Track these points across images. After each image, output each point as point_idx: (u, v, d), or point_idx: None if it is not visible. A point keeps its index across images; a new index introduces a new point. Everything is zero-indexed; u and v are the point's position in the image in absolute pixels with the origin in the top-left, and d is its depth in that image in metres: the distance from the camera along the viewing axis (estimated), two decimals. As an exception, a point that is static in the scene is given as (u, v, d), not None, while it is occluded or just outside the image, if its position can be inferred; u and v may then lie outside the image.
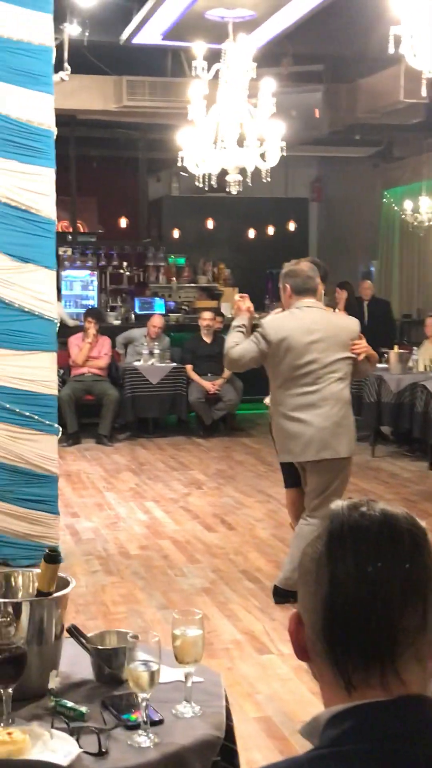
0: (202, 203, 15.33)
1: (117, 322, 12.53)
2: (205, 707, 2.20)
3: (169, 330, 12.48)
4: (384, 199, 15.14)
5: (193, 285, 15.10)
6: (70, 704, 2.15)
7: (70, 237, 14.41)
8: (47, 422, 5.82)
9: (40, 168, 5.75)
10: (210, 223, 15.74)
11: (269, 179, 7.63)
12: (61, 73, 8.08)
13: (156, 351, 10.86)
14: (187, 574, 5.82)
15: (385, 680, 1.13)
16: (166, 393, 10.74)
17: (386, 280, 15.30)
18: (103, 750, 1.99)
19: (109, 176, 15.96)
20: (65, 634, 2.37)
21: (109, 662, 2.32)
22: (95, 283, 13.74)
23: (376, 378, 9.44)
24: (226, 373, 10.78)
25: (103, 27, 9.43)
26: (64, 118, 7.91)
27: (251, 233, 16.02)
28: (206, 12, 8.47)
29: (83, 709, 2.13)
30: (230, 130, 7.34)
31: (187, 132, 7.54)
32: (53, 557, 2.27)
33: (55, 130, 5.82)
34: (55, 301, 5.98)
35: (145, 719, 2.07)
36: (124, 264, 14.48)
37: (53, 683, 2.19)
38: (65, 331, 10.37)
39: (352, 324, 5.21)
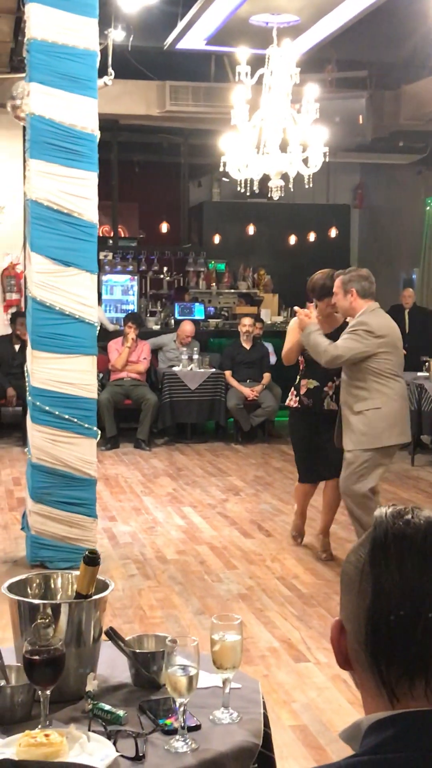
0: (243, 209, 15.32)
1: (156, 327, 12.55)
2: (243, 713, 2.18)
3: (208, 336, 12.48)
4: (427, 207, 15.01)
5: (233, 291, 15.09)
6: (107, 707, 2.13)
7: (110, 241, 14.47)
8: (86, 425, 5.83)
9: (83, 172, 5.77)
10: (251, 229, 15.71)
11: (311, 185, 7.61)
12: (104, 78, 8.13)
13: (195, 356, 10.87)
14: (224, 579, 5.81)
15: (430, 692, 1.11)
16: (205, 398, 10.73)
17: (428, 289, 15.15)
18: (141, 754, 1.97)
19: (151, 181, 16.00)
20: (103, 637, 2.36)
21: (147, 666, 2.31)
22: (135, 288, 13.77)
23: (416, 386, 9.37)
24: (265, 379, 10.76)
25: (147, 32, 9.47)
26: (107, 123, 7.94)
27: (292, 239, 15.96)
28: (251, 17, 8.47)
29: (121, 712, 2.12)
30: (273, 135, 7.34)
31: (229, 137, 7.54)
32: (93, 559, 2.26)
33: (98, 134, 5.84)
34: (96, 305, 6.00)
35: (183, 724, 2.06)
36: (165, 269, 14.51)
37: (91, 686, 2.17)
38: (105, 336, 10.42)
39: None
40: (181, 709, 2.06)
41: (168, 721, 2.11)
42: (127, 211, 16.03)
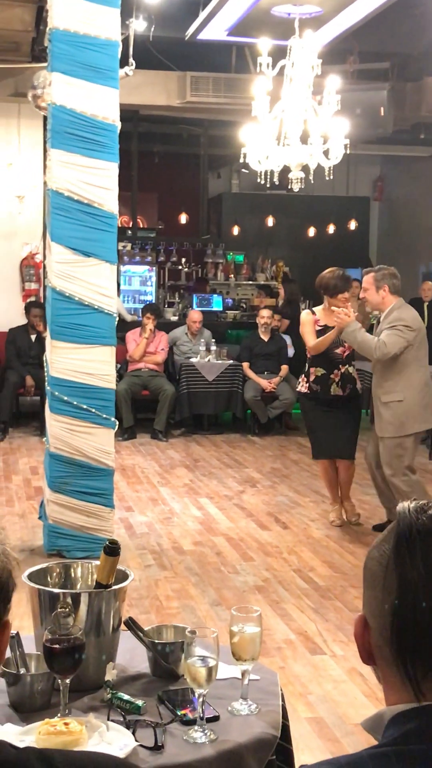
0: (262, 200, 15.29)
1: (174, 318, 12.55)
2: (262, 705, 2.19)
3: (226, 327, 12.47)
4: (447, 200, 14.95)
5: (251, 282, 15.08)
6: (126, 697, 2.14)
7: (129, 232, 14.47)
8: (104, 416, 5.85)
9: (103, 162, 5.77)
10: (270, 221, 15.68)
11: (332, 177, 7.58)
12: (126, 68, 8.11)
13: (213, 348, 10.86)
14: (241, 571, 5.81)
15: None
16: (222, 390, 10.73)
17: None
18: (160, 744, 1.98)
19: (170, 172, 15.99)
20: (122, 627, 2.37)
21: (166, 657, 2.32)
22: (154, 279, 13.78)
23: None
24: (283, 371, 10.74)
25: (168, 23, 9.44)
26: (127, 114, 7.92)
27: (311, 231, 15.92)
28: (273, 8, 8.42)
29: (140, 702, 2.13)
30: (294, 127, 7.30)
31: (250, 128, 7.51)
32: (113, 549, 2.27)
33: (119, 125, 5.84)
34: (115, 295, 6.00)
35: (202, 715, 2.06)
36: (183, 260, 14.50)
37: (110, 675, 2.18)
38: (123, 326, 10.42)
39: None
40: (200, 699, 2.06)
41: (185, 712, 2.11)
42: (146, 202, 16.03)
